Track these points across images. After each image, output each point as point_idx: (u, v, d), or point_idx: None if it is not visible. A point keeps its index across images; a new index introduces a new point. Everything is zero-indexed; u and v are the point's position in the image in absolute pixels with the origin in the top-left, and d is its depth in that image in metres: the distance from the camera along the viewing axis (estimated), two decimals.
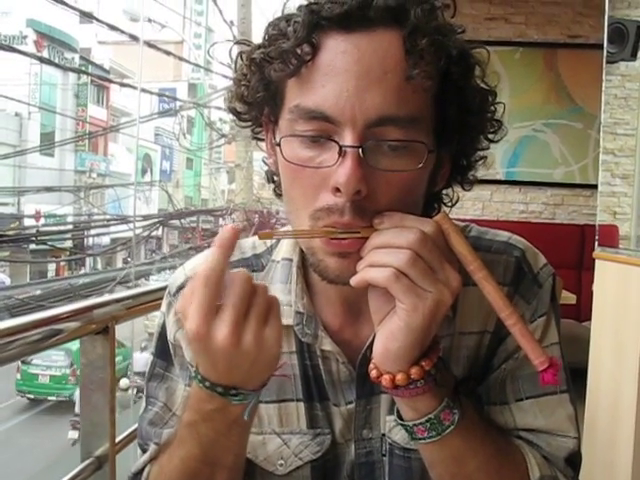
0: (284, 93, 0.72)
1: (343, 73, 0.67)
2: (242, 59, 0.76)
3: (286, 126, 0.72)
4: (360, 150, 0.67)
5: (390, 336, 0.68)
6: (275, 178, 0.82)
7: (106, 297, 1.59)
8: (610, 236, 2.76)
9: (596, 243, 2.61)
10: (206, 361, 0.66)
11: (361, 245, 0.68)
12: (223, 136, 14.01)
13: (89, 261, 23.15)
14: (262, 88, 0.74)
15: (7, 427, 11.75)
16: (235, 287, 0.63)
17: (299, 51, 0.69)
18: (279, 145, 0.72)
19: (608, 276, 2.43)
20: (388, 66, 0.67)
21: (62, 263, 21.08)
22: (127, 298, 1.63)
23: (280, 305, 0.68)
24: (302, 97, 0.69)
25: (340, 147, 0.67)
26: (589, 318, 2.57)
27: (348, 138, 0.67)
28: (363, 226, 0.68)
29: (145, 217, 14.03)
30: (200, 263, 0.88)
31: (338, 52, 0.68)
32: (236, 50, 0.80)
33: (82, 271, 21.38)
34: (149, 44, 12.29)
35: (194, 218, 16.04)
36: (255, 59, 0.73)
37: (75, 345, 9.21)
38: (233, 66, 0.79)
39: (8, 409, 12.50)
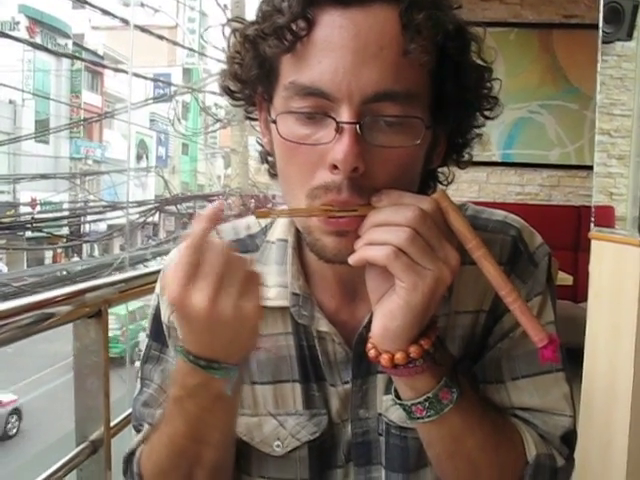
0: (279, 70, 0.71)
1: (339, 49, 0.66)
2: (235, 36, 0.75)
3: (281, 103, 0.71)
4: (357, 126, 0.66)
5: (389, 315, 0.68)
6: (269, 158, 0.82)
7: (99, 281, 1.58)
8: (607, 217, 2.76)
9: (592, 223, 2.61)
10: (187, 330, 0.67)
11: (359, 223, 0.68)
12: (218, 121, 13.95)
13: (86, 248, 23.12)
14: (256, 65, 0.73)
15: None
16: (213, 255, 0.63)
17: (294, 27, 0.68)
18: (275, 122, 0.71)
19: (604, 256, 2.43)
20: (385, 41, 0.67)
21: (59, 250, 21.04)
22: (120, 282, 1.62)
23: (262, 279, 0.68)
24: (298, 73, 0.68)
25: (337, 123, 0.67)
26: (585, 299, 2.58)
27: (345, 114, 0.66)
28: (361, 204, 0.68)
29: (140, 203, 14.00)
30: None
31: (334, 27, 0.67)
32: (229, 30, 0.78)
33: (77, 259, 21.36)
34: (142, 29, 12.19)
35: (191, 204, 16.01)
36: (249, 36, 0.72)
37: (123, 310, 10.04)
38: (226, 44, 0.78)
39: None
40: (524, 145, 4.61)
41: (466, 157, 0.82)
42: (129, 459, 0.88)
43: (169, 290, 0.64)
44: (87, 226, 19.83)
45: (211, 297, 0.63)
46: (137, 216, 12.80)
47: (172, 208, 14.52)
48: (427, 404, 0.71)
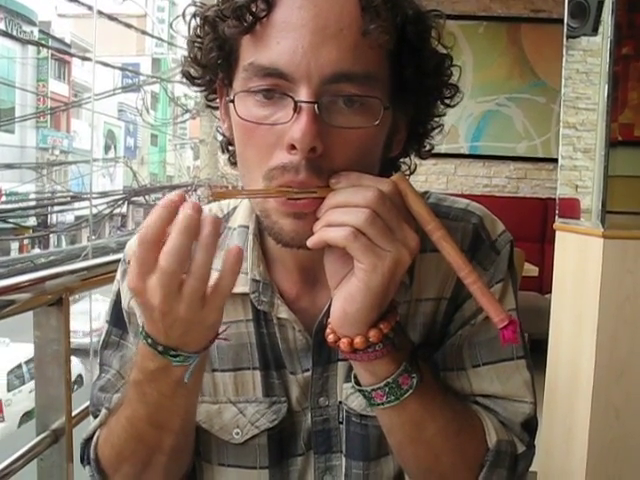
0: (238, 52, 0.71)
1: (299, 29, 0.66)
2: (196, 20, 0.75)
3: (240, 85, 0.70)
4: (315, 106, 0.66)
5: (349, 298, 0.67)
6: (230, 147, 0.81)
7: (60, 268, 1.55)
8: (572, 209, 2.79)
9: (557, 215, 2.64)
10: (145, 317, 0.65)
11: (317, 205, 0.67)
12: (187, 111, 13.84)
13: (53, 239, 22.80)
14: (216, 48, 0.72)
15: None
16: (168, 254, 0.59)
17: (253, 7, 0.67)
18: (233, 102, 0.70)
19: (567, 247, 2.46)
20: (344, 22, 0.66)
21: (26, 242, 20.74)
22: (82, 269, 1.60)
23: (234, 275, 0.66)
24: (257, 54, 0.68)
25: (295, 103, 0.66)
26: (551, 291, 2.61)
27: (303, 94, 0.66)
28: (319, 185, 0.67)
29: (105, 194, 13.82)
30: None
31: (294, 8, 0.67)
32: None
33: (38, 250, 21.03)
34: (109, 17, 12.02)
35: (159, 195, 15.85)
36: (209, 17, 0.72)
37: None
38: (187, 29, 0.77)
39: None
40: (492, 138, 4.65)
41: (427, 147, 0.82)
42: (86, 444, 0.87)
43: (129, 277, 0.62)
44: (54, 217, 19.57)
45: (163, 299, 0.61)
46: (104, 207, 12.64)
47: (140, 199, 14.37)
48: (387, 389, 0.71)
